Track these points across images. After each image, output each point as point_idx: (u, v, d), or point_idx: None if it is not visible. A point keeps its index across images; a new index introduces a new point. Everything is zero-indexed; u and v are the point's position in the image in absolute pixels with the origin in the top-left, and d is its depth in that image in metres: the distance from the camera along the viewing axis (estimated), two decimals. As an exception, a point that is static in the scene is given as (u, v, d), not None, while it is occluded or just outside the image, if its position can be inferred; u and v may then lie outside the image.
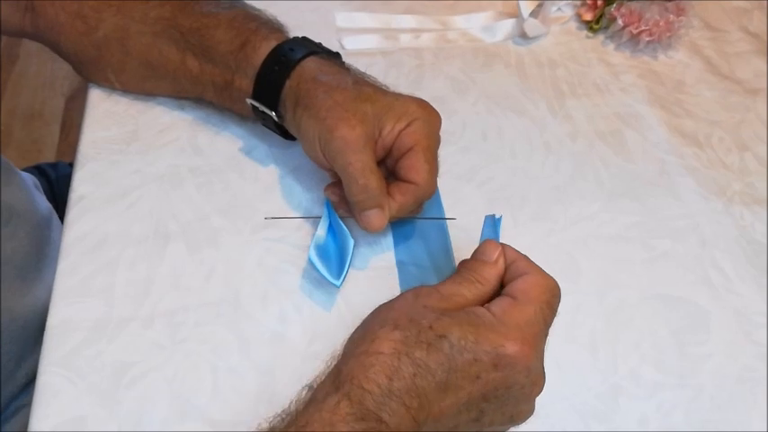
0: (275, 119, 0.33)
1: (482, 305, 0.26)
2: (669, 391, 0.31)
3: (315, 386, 0.25)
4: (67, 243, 0.33)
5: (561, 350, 0.32)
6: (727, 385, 0.31)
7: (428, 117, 0.31)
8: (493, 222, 0.29)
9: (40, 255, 0.39)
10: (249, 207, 0.35)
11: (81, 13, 0.35)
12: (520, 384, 0.25)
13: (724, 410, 0.30)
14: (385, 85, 0.34)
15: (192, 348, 0.30)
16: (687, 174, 0.39)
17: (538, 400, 0.30)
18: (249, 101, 0.33)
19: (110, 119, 0.38)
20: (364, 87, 0.31)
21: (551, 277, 0.27)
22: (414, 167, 0.30)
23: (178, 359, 0.30)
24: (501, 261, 0.27)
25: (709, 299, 0.34)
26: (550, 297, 0.26)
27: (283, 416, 0.25)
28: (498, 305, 0.25)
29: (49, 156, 1.05)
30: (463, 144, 0.39)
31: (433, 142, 0.31)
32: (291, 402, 0.25)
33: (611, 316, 0.33)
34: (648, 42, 0.45)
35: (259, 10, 0.36)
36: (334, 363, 0.26)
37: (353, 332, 0.27)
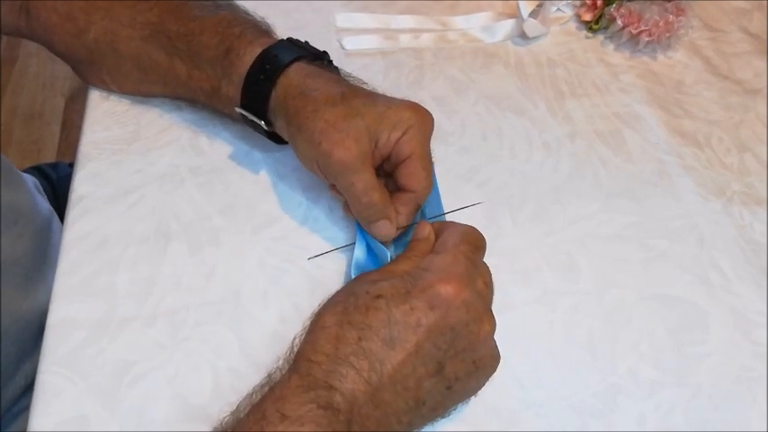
0: (265, 127, 0.33)
1: None
2: (667, 391, 0.31)
3: (273, 375, 0.26)
4: (68, 243, 0.33)
5: (559, 350, 0.32)
6: (725, 385, 0.31)
7: (422, 121, 0.31)
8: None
9: (43, 256, 0.40)
10: (250, 207, 0.35)
11: (71, 15, 0.35)
12: (463, 322, 0.25)
13: (722, 410, 0.30)
14: (373, 88, 0.33)
15: (192, 348, 0.30)
16: (686, 174, 0.39)
17: (535, 399, 0.30)
18: (238, 109, 0.33)
19: (110, 119, 0.38)
20: (353, 100, 0.31)
21: (464, 225, 0.30)
22: (413, 175, 0.31)
23: (179, 358, 0.30)
24: (431, 235, 0.30)
25: (708, 299, 0.34)
26: (466, 237, 0.28)
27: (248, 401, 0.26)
28: (425, 260, 0.28)
29: (49, 156, 1.05)
30: (463, 144, 0.39)
31: (428, 146, 0.32)
32: (254, 390, 0.26)
33: (609, 316, 0.33)
34: (648, 43, 0.45)
35: (247, 12, 0.35)
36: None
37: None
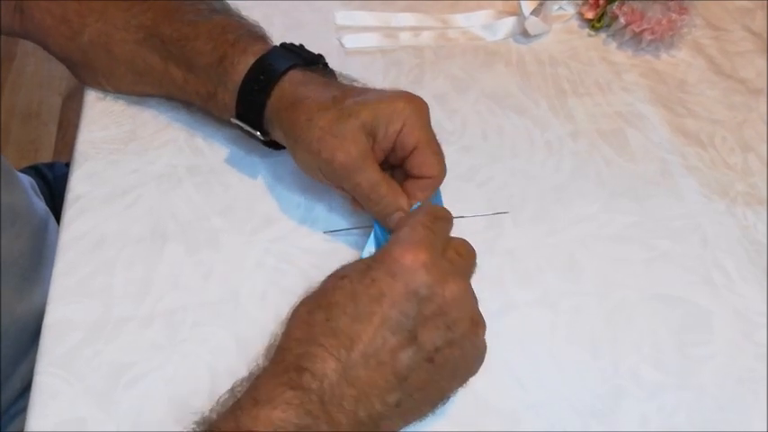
0: (261, 137, 0.33)
1: None
2: (670, 392, 0.31)
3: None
4: (64, 243, 0.33)
5: (561, 350, 0.31)
6: (728, 386, 0.31)
7: (417, 109, 0.31)
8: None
9: (39, 257, 0.40)
10: (248, 207, 0.35)
11: (66, 17, 0.35)
12: (425, 284, 0.25)
13: (725, 411, 0.30)
14: (363, 84, 0.33)
15: (190, 349, 0.30)
16: (689, 174, 0.39)
17: (536, 400, 0.30)
18: (233, 120, 0.33)
19: (107, 118, 0.38)
20: (344, 102, 0.30)
21: (429, 206, 0.30)
22: (426, 164, 0.31)
23: (176, 359, 0.30)
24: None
25: (711, 299, 0.34)
26: (424, 210, 0.28)
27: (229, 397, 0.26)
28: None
29: (46, 155, 1.05)
30: (463, 143, 0.39)
31: (431, 131, 0.31)
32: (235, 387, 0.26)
33: (611, 316, 0.33)
34: (651, 41, 0.45)
35: (242, 16, 0.35)
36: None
37: None
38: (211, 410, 0.25)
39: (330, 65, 0.35)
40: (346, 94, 0.31)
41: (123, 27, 0.34)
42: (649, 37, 0.44)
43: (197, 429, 0.25)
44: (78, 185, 0.35)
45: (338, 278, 0.26)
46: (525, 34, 0.45)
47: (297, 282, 0.32)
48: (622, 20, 0.45)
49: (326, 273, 0.32)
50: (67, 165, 0.37)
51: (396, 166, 0.32)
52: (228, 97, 0.33)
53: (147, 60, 0.35)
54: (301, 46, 0.34)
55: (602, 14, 0.46)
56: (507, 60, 0.44)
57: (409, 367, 0.24)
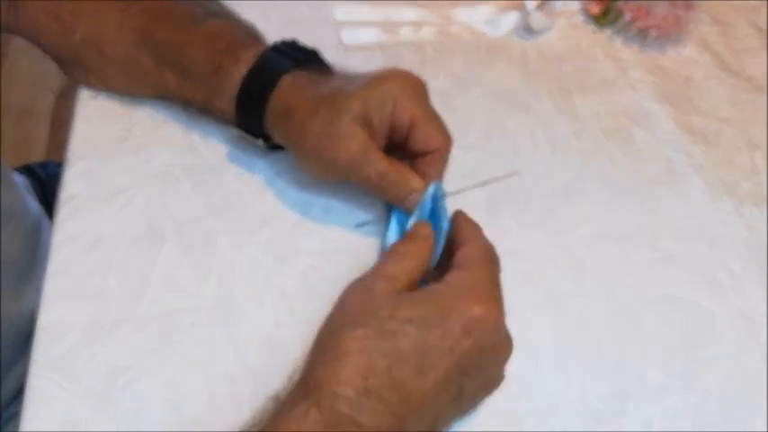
0: (264, 145, 0.33)
1: (428, 278, 0.27)
2: (675, 395, 0.30)
3: (281, 397, 0.25)
4: (58, 243, 0.32)
5: (565, 353, 0.31)
6: (733, 388, 0.31)
7: (405, 86, 0.30)
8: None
9: (33, 257, 0.39)
10: (245, 207, 0.34)
11: (59, 15, 0.35)
12: (491, 345, 0.25)
13: (730, 413, 0.30)
14: (348, 73, 0.32)
15: (186, 352, 0.30)
16: (695, 173, 0.38)
17: (540, 402, 0.30)
18: (236, 131, 0.34)
19: (101, 116, 0.37)
20: (332, 100, 0.30)
21: (486, 241, 0.29)
22: (427, 137, 0.30)
23: (172, 362, 0.29)
24: (431, 237, 0.29)
25: (717, 301, 0.33)
26: (492, 256, 0.28)
27: (250, 427, 0.25)
28: (450, 276, 0.26)
29: (38, 154, 1.04)
30: (465, 142, 0.38)
31: (425, 103, 0.31)
32: (255, 415, 0.25)
33: (616, 319, 0.32)
34: (657, 37, 0.44)
35: (237, 18, 0.35)
36: (298, 373, 0.25)
37: (313, 343, 0.26)
38: None
39: (328, 61, 0.34)
40: (332, 91, 0.30)
41: (116, 28, 0.34)
42: (655, 33, 0.44)
43: None
44: (72, 185, 0.34)
45: (401, 321, 0.24)
46: (528, 30, 0.44)
47: (295, 283, 0.32)
48: (628, 16, 0.44)
49: (325, 273, 0.32)
50: (60, 164, 0.36)
51: (401, 146, 0.31)
52: (225, 105, 0.33)
53: (140, 63, 0.34)
54: (293, 43, 0.33)
55: (608, 10, 0.45)
56: (510, 57, 0.43)
57: (444, 414, 0.25)
